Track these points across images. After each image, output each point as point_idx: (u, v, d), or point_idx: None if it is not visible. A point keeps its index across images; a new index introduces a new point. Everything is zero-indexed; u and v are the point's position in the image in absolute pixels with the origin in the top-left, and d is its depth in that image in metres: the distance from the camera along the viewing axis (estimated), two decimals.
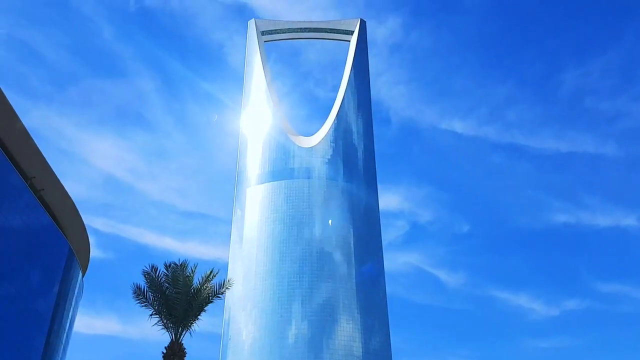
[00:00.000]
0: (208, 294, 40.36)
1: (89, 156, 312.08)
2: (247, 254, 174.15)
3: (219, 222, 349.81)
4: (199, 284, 39.97)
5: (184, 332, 39.41)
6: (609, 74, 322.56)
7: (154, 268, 39.96)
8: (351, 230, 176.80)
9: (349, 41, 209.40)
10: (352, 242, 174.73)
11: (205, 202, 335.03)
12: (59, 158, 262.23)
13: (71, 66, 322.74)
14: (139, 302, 39.56)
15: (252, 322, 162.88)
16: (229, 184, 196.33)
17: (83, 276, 58.23)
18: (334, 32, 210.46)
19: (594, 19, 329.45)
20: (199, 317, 40.12)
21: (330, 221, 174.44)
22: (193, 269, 40.09)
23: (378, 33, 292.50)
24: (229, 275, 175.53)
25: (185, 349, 38.85)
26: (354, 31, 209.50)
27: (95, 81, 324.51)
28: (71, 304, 53.58)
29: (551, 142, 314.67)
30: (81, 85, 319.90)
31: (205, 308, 40.47)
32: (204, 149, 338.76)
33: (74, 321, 56.58)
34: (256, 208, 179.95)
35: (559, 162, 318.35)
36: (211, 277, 40.52)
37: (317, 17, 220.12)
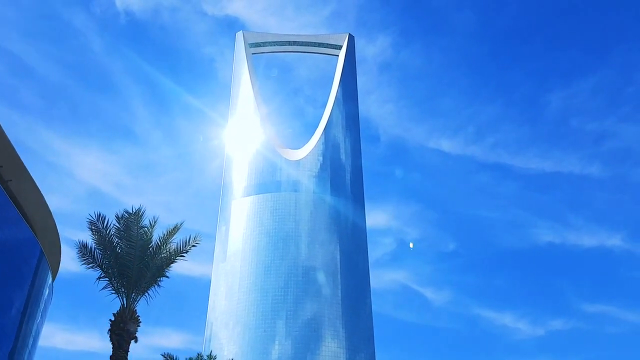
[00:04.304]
0: (170, 252, 33.55)
1: (75, 169, 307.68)
2: (231, 268, 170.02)
3: (205, 238, 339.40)
4: (160, 241, 33.51)
5: (138, 298, 32.67)
6: (596, 95, 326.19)
7: (101, 218, 32.91)
8: (338, 246, 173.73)
9: (337, 56, 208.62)
10: (338, 259, 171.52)
11: (191, 217, 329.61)
12: (45, 171, 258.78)
13: (61, 79, 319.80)
14: (84, 263, 32.82)
15: (235, 339, 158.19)
16: (215, 199, 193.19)
17: (53, 280, 54.64)
18: (323, 47, 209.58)
19: (582, 41, 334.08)
20: (158, 281, 33.34)
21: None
22: (152, 223, 33.48)
23: (368, 51, 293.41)
24: (212, 291, 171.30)
25: (139, 316, 32.22)
26: (342, 46, 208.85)
27: (84, 95, 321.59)
28: (39, 308, 49.86)
29: (537, 162, 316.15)
30: (70, 99, 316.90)
31: (166, 271, 33.56)
32: (191, 163, 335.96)
33: (41, 328, 52.82)
34: (241, 221, 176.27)
35: (544, 182, 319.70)
36: (174, 231, 33.78)
37: (307, 34, 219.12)
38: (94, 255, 32.93)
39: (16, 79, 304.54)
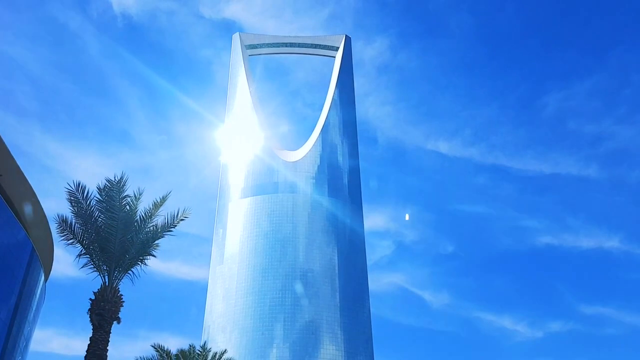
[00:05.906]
0: (156, 227, 30.97)
1: (72, 173, 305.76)
2: (228, 271, 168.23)
3: (202, 242, 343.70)
4: (145, 214, 30.76)
5: (122, 276, 30.20)
6: (593, 97, 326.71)
7: (80, 188, 30.03)
8: (335, 248, 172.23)
9: (334, 57, 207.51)
10: (336, 261, 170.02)
11: (188, 221, 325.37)
12: (41, 174, 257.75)
13: (57, 82, 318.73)
14: (63, 239, 30.26)
15: (232, 342, 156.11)
16: (212, 202, 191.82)
17: (46, 280, 52.87)
18: (319, 48, 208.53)
19: (578, 43, 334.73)
20: (144, 259, 30.77)
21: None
22: (137, 195, 30.55)
23: (366, 53, 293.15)
24: (209, 295, 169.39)
25: (122, 295, 29.65)
26: (339, 47, 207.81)
27: (81, 98, 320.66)
28: (32, 309, 48.09)
29: (534, 164, 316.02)
30: (67, 102, 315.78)
31: (153, 247, 30.97)
32: (188, 165, 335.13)
33: (33, 331, 51.03)
34: (239, 223, 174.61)
35: (542, 183, 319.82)
36: (161, 203, 31.08)
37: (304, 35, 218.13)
38: (73, 230, 30.24)
39: (13, 82, 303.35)
